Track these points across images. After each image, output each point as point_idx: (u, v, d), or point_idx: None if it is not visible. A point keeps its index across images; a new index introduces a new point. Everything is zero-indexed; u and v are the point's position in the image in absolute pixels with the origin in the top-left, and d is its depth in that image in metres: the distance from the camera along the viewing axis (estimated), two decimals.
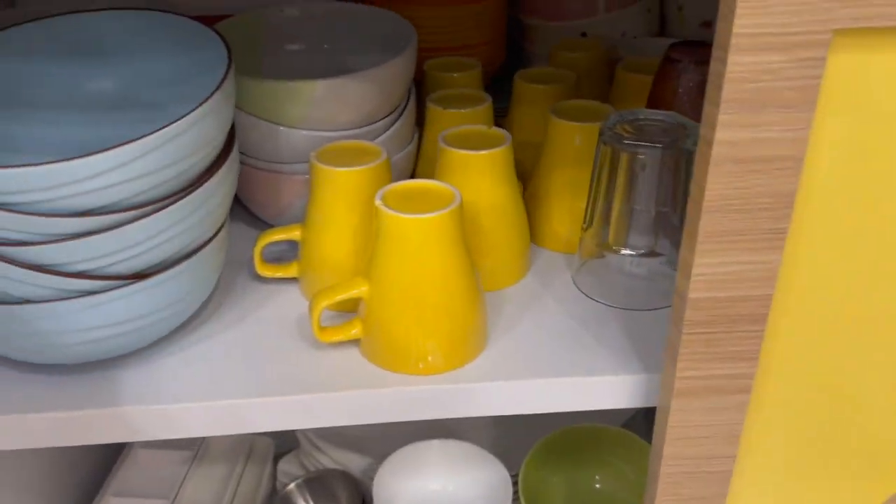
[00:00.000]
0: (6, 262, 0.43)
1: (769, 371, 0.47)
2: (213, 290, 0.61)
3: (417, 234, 0.47)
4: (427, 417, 0.51)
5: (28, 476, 0.70)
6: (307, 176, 0.59)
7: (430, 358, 0.50)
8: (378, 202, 0.48)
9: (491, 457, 0.70)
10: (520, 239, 0.59)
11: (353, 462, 0.75)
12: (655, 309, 0.56)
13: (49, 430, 0.49)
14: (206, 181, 0.47)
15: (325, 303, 0.50)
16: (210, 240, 0.50)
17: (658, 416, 0.49)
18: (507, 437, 0.77)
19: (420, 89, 0.68)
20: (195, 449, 0.77)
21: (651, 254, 0.55)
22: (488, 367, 0.52)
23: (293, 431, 0.86)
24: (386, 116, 0.60)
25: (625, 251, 0.55)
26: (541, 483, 0.72)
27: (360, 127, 0.58)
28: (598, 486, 0.74)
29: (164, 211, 0.45)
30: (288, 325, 0.55)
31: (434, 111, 0.63)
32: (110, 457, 0.85)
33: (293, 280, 0.60)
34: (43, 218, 0.42)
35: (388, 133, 0.60)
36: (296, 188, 0.60)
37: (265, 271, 0.58)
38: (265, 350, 0.53)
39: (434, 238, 0.47)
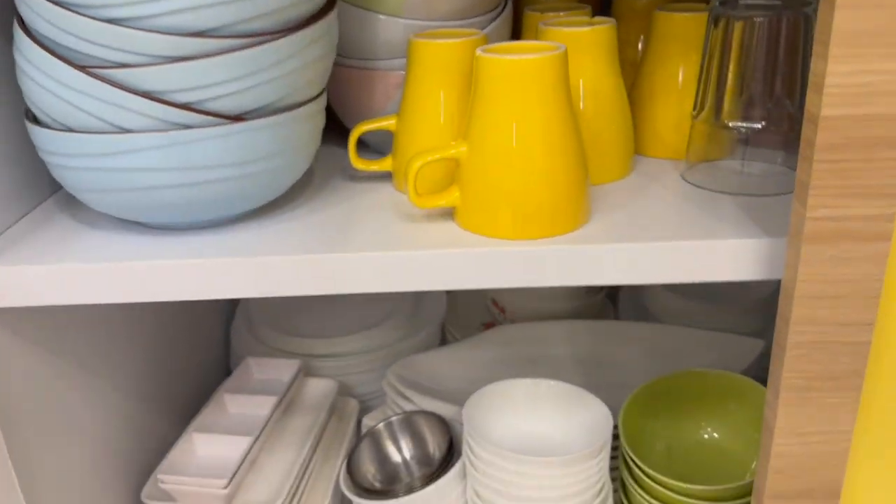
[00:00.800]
0: (114, 86, 0.43)
1: None
2: (310, 174, 0.61)
3: (519, 77, 0.45)
4: (527, 283, 0.48)
5: (114, 416, 0.70)
6: (402, 73, 0.58)
7: (530, 222, 0.47)
8: (479, 52, 0.46)
9: (588, 394, 0.65)
10: (624, 130, 0.56)
11: (442, 411, 0.71)
12: (775, 195, 0.52)
13: (149, 280, 0.48)
14: (308, 26, 0.46)
15: (420, 162, 0.48)
16: (308, 101, 0.50)
17: (786, 273, 0.44)
18: (606, 387, 0.72)
19: (517, 3, 0.68)
20: (280, 395, 0.75)
21: (767, 128, 0.52)
22: (594, 233, 0.48)
23: (381, 389, 0.84)
24: (485, 14, 0.59)
25: (740, 124, 0.52)
26: (642, 429, 0.66)
27: (458, 19, 0.58)
28: (705, 434, 0.68)
29: (267, 45, 0.44)
30: (384, 207, 0.54)
31: (531, 17, 0.62)
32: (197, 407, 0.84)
33: (388, 180, 0.59)
34: (152, 35, 0.42)
35: (486, 31, 0.59)
36: (390, 88, 0.59)
37: (360, 164, 0.57)
38: (361, 222, 0.52)
39: (536, 83, 0.45)
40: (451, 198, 0.49)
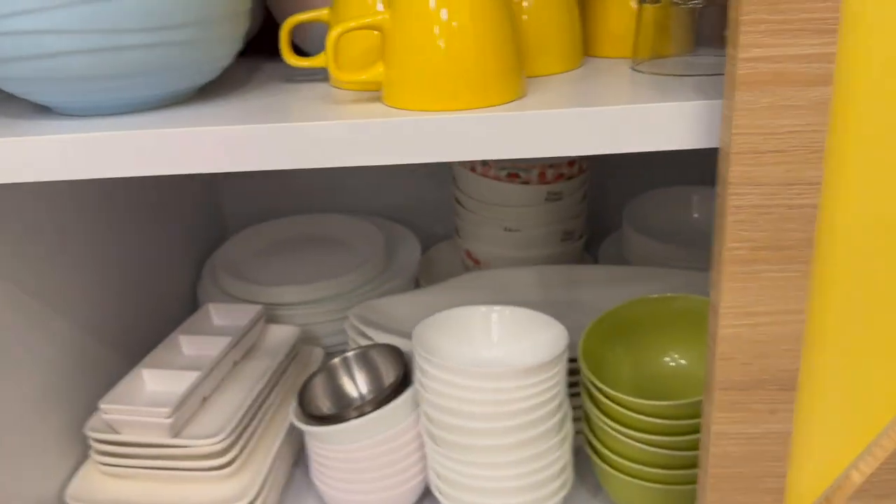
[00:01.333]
0: None
1: (855, 58, 0.39)
2: (246, 80, 0.59)
3: None
4: (455, 157, 0.45)
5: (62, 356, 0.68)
6: None
7: (457, 92, 0.45)
8: None
9: (544, 316, 0.62)
10: (568, 20, 0.53)
11: (400, 346, 0.68)
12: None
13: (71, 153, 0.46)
14: None
15: (340, 30, 0.45)
16: None
17: (722, 127, 0.41)
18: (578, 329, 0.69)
19: None
20: (235, 337, 0.72)
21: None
22: (527, 104, 0.45)
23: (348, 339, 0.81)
24: None
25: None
26: (604, 358, 0.63)
27: None
28: (671, 362, 0.64)
29: None
30: (318, 98, 0.51)
31: None
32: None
33: (327, 79, 0.57)
34: None
35: None
36: None
37: (293, 60, 0.55)
38: (287, 107, 0.49)
39: None
40: (374, 72, 0.47)
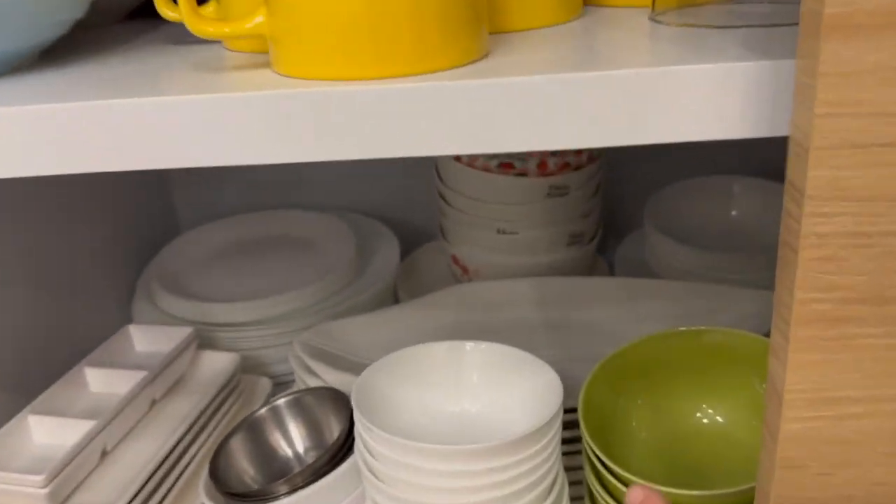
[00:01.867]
0: None
1: None
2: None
3: None
4: (365, 153, 0.29)
5: None
6: None
7: (375, 51, 0.29)
8: None
9: (533, 359, 0.46)
10: None
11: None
12: (782, 25, 0.33)
13: None
14: None
15: None
16: None
17: (795, 108, 0.25)
18: (582, 360, 0.53)
19: None
20: (153, 369, 0.58)
21: None
22: (486, 68, 0.30)
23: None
24: None
25: None
26: (615, 412, 0.47)
27: None
28: (704, 419, 0.48)
29: None
30: (196, 62, 0.36)
31: None
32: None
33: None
34: None
35: None
36: None
37: (165, 9, 0.39)
38: (157, 73, 0.34)
39: None
40: (251, 21, 0.31)
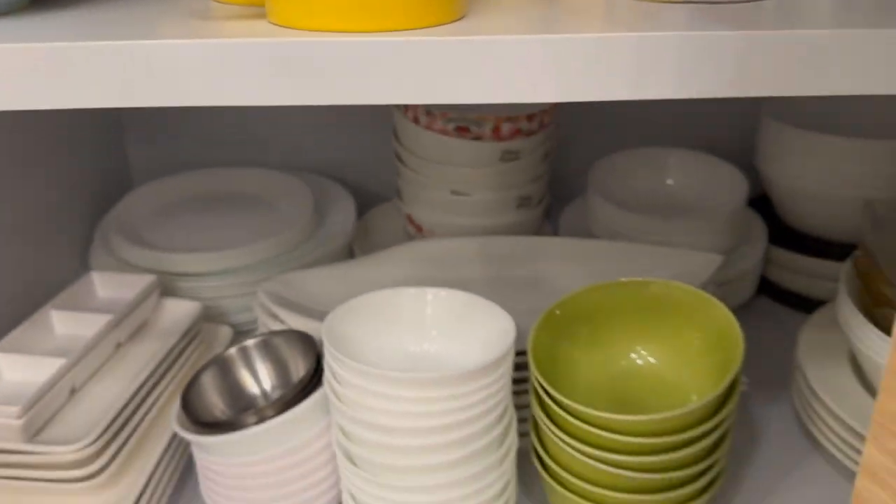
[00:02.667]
0: None
1: None
2: None
3: None
4: (352, 98, 0.33)
5: None
6: None
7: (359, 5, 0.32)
8: None
9: (490, 304, 0.50)
10: None
11: (316, 332, 0.57)
12: None
13: None
14: None
15: None
16: None
17: None
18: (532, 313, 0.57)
19: None
20: (119, 314, 0.59)
21: None
22: (466, 26, 0.33)
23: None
24: None
25: None
26: (558, 355, 0.52)
27: None
28: (639, 360, 0.53)
29: None
30: (185, 11, 0.39)
31: None
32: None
33: None
34: None
35: None
36: None
37: None
38: (150, 19, 0.37)
39: None
40: None
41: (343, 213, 0.80)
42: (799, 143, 0.71)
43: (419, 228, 0.75)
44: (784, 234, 0.77)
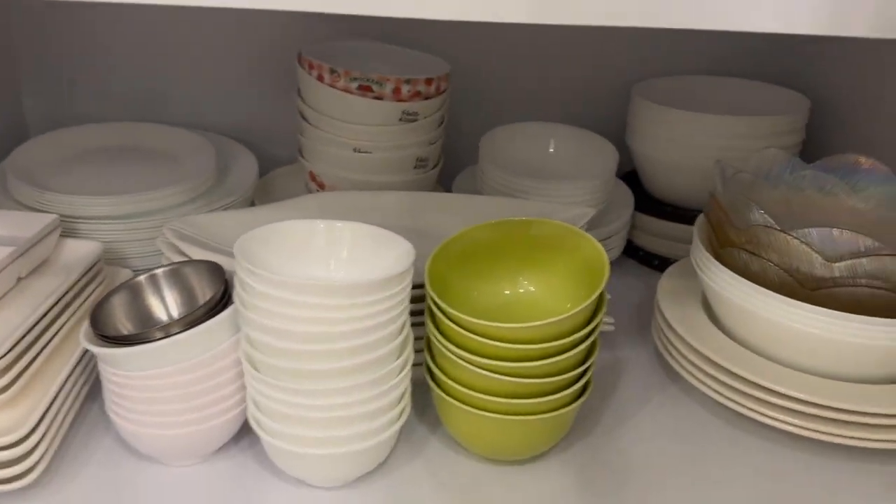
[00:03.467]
0: None
1: None
2: None
3: None
4: None
5: None
6: None
7: None
8: None
9: (393, 235, 0.55)
10: None
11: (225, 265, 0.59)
12: None
13: None
14: None
15: None
16: None
17: None
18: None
19: None
20: (16, 248, 0.60)
21: None
22: None
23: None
24: None
25: None
26: (450, 285, 0.57)
27: None
28: (520, 289, 0.60)
29: None
30: None
31: None
32: None
33: None
34: None
35: None
36: None
37: None
38: None
39: None
40: None
41: (245, 170, 0.82)
42: (659, 118, 0.81)
43: (321, 185, 0.79)
44: (649, 203, 0.86)
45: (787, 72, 0.92)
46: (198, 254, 0.61)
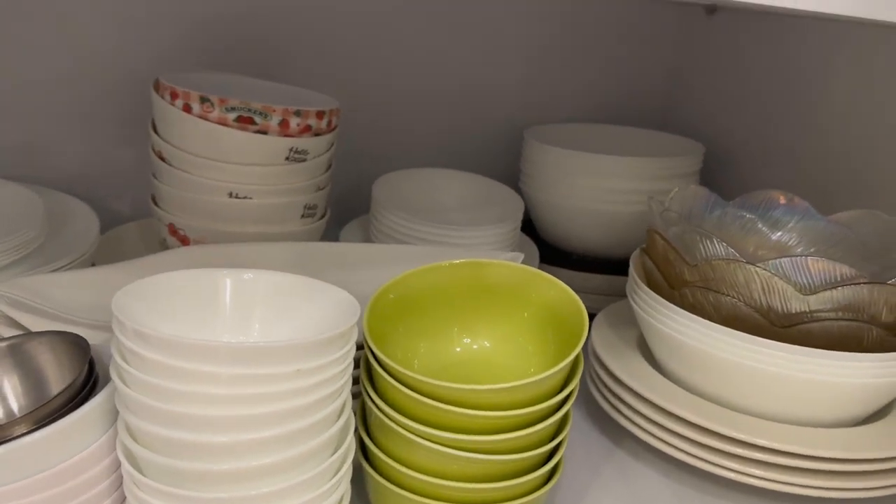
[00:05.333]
0: None
1: None
2: None
3: None
4: None
5: None
6: None
7: None
8: None
9: (325, 285, 0.43)
10: None
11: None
12: None
13: None
14: None
15: None
16: None
17: None
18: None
19: None
20: None
21: None
22: None
23: None
24: None
25: None
26: (388, 341, 0.46)
27: None
28: (475, 346, 0.49)
29: None
30: None
31: None
32: None
33: None
34: None
35: None
36: None
37: None
38: None
39: None
40: None
41: (83, 225, 0.66)
42: (555, 160, 0.76)
43: (184, 240, 0.65)
44: (549, 252, 0.80)
45: (676, 119, 0.92)
46: (40, 324, 0.45)
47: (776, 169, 0.82)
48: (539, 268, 0.77)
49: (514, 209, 0.73)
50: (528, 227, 0.83)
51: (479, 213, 0.75)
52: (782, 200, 0.66)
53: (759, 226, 0.65)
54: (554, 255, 0.80)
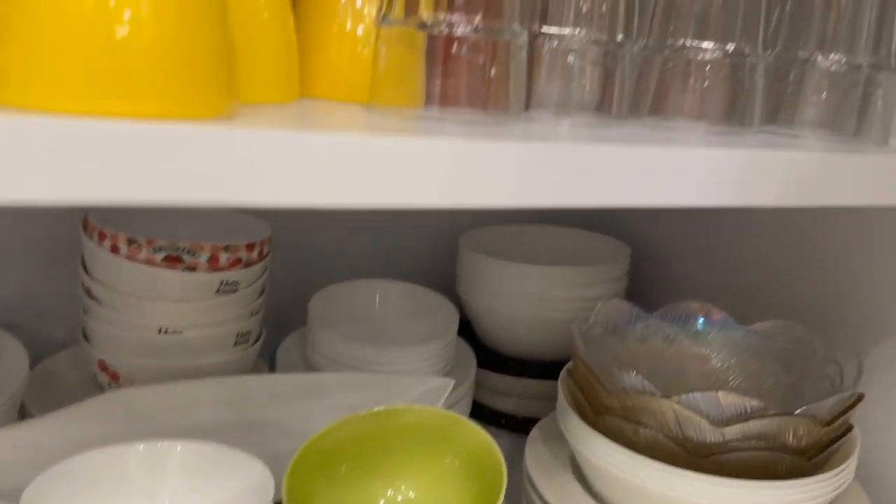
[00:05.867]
0: None
1: None
2: None
3: None
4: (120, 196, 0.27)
5: None
6: None
7: (120, 80, 0.27)
8: None
9: (238, 453, 0.44)
10: (287, 44, 0.39)
11: None
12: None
13: None
14: None
15: None
16: None
17: None
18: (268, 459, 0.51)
19: None
20: None
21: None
22: (237, 123, 0.30)
23: None
24: None
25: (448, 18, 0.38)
26: (314, 498, 0.46)
27: None
28: (399, 497, 0.50)
29: None
30: None
31: None
32: None
33: None
34: None
35: None
36: None
37: None
38: None
39: None
40: None
41: (10, 362, 0.65)
42: (487, 269, 0.78)
43: (114, 376, 0.64)
44: (487, 357, 0.81)
45: (603, 219, 0.94)
46: None
47: (703, 268, 0.84)
48: (477, 374, 0.79)
49: (449, 322, 0.74)
50: (468, 328, 0.85)
51: (416, 323, 0.76)
52: (700, 311, 0.69)
53: (682, 338, 0.68)
54: (493, 359, 0.81)
